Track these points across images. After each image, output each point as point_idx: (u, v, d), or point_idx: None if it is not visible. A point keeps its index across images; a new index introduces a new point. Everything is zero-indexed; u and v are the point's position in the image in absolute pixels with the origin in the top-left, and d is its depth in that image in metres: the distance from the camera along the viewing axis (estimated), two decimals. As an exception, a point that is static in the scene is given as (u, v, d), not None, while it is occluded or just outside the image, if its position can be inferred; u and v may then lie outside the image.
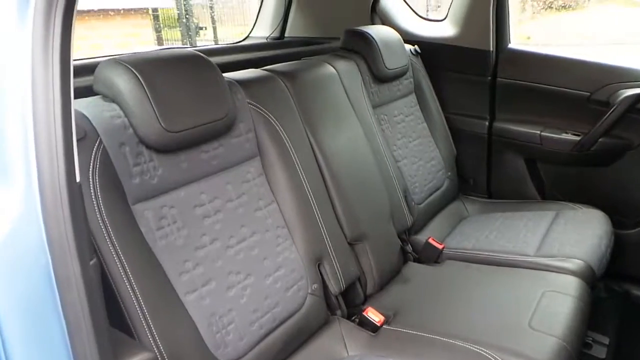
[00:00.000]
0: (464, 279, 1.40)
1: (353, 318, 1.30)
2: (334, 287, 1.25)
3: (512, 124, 1.91)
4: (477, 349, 1.06)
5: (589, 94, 1.73)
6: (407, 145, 1.78)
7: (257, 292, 1.07)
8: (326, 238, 1.26)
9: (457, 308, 1.25)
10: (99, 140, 0.89)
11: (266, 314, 1.07)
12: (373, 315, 1.24)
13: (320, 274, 1.23)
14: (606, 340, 1.49)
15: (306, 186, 1.25)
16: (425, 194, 1.77)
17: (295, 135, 1.28)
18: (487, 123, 1.97)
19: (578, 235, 1.50)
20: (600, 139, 1.72)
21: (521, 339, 1.08)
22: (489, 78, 1.93)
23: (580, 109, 1.76)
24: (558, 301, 1.20)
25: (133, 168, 0.94)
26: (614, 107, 1.66)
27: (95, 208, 0.84)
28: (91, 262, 0.63)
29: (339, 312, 1.30)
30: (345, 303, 1.32)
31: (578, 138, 1.76)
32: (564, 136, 1.80)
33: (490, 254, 1.51)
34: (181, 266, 0.96)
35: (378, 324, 1.22)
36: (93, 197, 0.85)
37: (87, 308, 0.62)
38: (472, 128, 2.01)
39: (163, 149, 0.98)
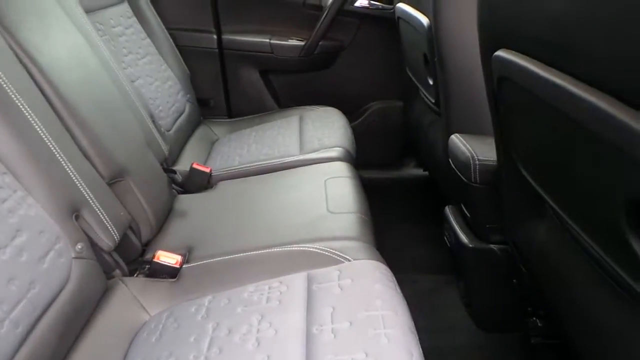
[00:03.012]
0: (247, 193, 1.29)
1: (136, 274, 1.02)
2: (105, 242, 0.93)
3: (241, 35, 1.83)
4: (295, 247, 0.99)
5: (303, -2, 1.81)
6: (137, 62, 1.47)
7: (-8, 277, 0.66)
8: (78, 180, 0.90)
9: (255, 221, 1.15)
10: None
11: (18, 303, 0.68)
12: (167, 258, 1.00)
13: (83, 229, 0.89)
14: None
15: (25, 109, 0.83)
16: (171, 119, 1.53)
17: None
18: (215, 37, 1.83)
19: (328, 129, 1.60)
20: (320, 42, 1.84)
21: (329, 224, 1.07)
22: (208, -15, 1.77)
23: (300, 14, 1.82)
24: (340, 184, 1.25)
25: None
26: (327, 10, 1.79)
27: None
28: None
29: (117, 272, 0.99)
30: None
31: (303, 43, 1.84)
32: (291, 42, 1.85)
33: (260, 163, 1.44)
34: None
35: (176, 266, 0.99)
36: None
37: None
38: (201, 44, 1.83)
39: None
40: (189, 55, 1.78)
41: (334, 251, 0.96)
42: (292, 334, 0.77)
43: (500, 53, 0.76)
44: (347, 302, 0.81)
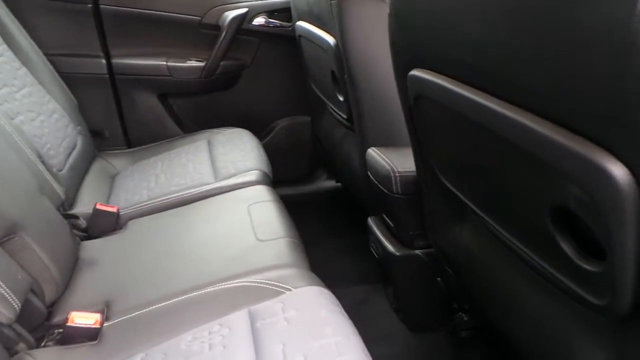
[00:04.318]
0: (164, 230, 1.19)
1: (45, 343, 0.88)
2: (4, 314, 0.79)
3: (134, 58, 1.71)
4: (229, 284, 0.93)
5: (199, 18, 1.74)
6: (14, 96, 1.29)
7: None
8: (-41, 245, 0.75)
9: (178, 261, 1.06)
10: None
11: None
12: (83, 319, 0.88)
13: (-27, 303, 0.74)
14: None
15: None
16: (63, 157, 1.37)
17: None
18: (104, 61, 1.68)
19: (240, 152, 1.55)
20: (221, 63, 1.78)
21: (261, 253, 1.03)
22: (90, 6, 1.62)
23: (196, 35, 1.75)
24: (265, 209, 1.21)
25: None
26: (224, 30, 1.74)
27: None
28: None
29: (21, 345, 0.84)
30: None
31: (203, 64, 1.76)
32: (189, 64, 1.76)
33: (173, 196, 1.35)
34: None
35: (96, 326, 0.87)
36: None
37: None
38: (88, 70, 1.67)
39: None
40: (75, 83, 1.61)
41: (272, 282, 0.92)
42: (244, 381, 0.72)
43: (415, 72, 0.79)
44: (297, 334, 0.79)
